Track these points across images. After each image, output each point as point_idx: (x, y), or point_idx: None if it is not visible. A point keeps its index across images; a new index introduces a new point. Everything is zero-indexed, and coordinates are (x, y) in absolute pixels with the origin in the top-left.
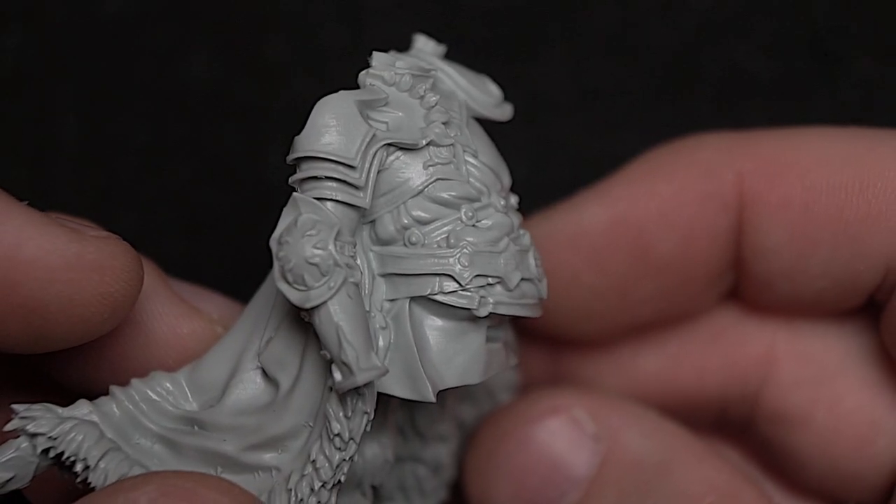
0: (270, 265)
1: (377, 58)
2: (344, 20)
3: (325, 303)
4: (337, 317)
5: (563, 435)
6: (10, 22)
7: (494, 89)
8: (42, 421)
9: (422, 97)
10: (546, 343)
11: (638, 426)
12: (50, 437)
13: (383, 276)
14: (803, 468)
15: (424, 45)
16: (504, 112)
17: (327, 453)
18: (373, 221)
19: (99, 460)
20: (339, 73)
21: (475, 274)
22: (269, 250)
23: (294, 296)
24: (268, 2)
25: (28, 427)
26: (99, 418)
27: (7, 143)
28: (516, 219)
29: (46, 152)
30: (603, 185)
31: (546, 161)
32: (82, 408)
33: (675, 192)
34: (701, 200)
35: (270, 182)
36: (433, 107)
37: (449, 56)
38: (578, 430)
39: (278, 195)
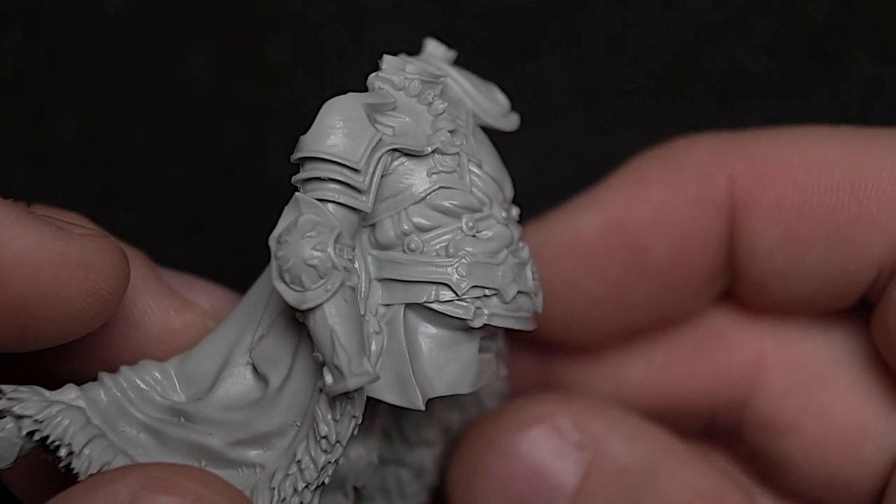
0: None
1: (387, 61)
2: (344, 20)
3: (320, 305)
4: (332, 320)
5: (546, 444)
6: (10, 22)
7: (502, 98)
8: (29, 403)
9: (430, 104)
10: (535, 349)
11: (622, 432)
12: (36, 420)
13: (380, 280)
14: (792, 475)
15: (435, 50)
16: (511, 122)
17: (313, 454)
18: (373, 225)
19: (83, 447)
20: (339, 73)
21: (472, 285)
22: (268, 249)
23: (290, 296)
24: (268, 2)
25: (14, 408)
26: (86, 404)
27: (7, 143)
28: (517, 231)
29: (46, 152)
30: (595, 190)
31: (546, 161)
32: (70, 392)
33: (667, 197)
34: (693, 204)
35: (270, 182)
36: (441, 114)
37: None
38: (562, 438)
39: (278, 195)
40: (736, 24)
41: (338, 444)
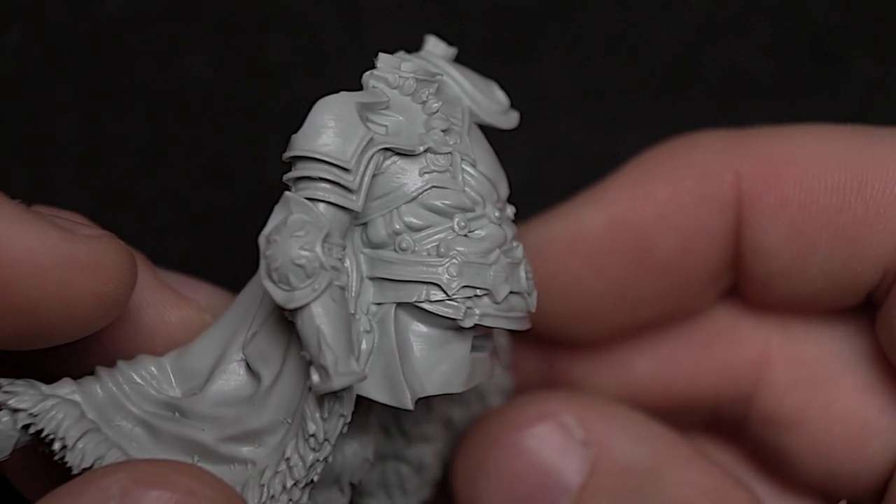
0: None
1: (383, 59)
2: (344, 20)
3: (308, 305)
4: (319, 320)
5: (551, 441)
6: (10, 22)
7: (501, 96)
8: (25, 397)
9: (424, 102)
10: (540, 345)
11: (627, 431)
12: (31, 414)
13: (372, 279)
14: (796, 469)
15: (435, 47)
16: (510, 120)
17: (301, 452)
18: (365, 224)
19: (77, 440)
20: (339, 73)
21: (463, 285)
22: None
23: (278, 295)
24: (268, 2)
25: (10, 402)
26: (81, 398)
27: (7, 143)
28: (510, 230)
29: (46, 152)
30: (600, 187)
31: (546, 161)
32: (65, 386)
33: (673, 195)
34: (699, 202)
35: (270, 182)
36: (434, 113)
37: None
38: (567, 436)
39: (278, 195)
40: (736, 24)
41: (326, 443)
